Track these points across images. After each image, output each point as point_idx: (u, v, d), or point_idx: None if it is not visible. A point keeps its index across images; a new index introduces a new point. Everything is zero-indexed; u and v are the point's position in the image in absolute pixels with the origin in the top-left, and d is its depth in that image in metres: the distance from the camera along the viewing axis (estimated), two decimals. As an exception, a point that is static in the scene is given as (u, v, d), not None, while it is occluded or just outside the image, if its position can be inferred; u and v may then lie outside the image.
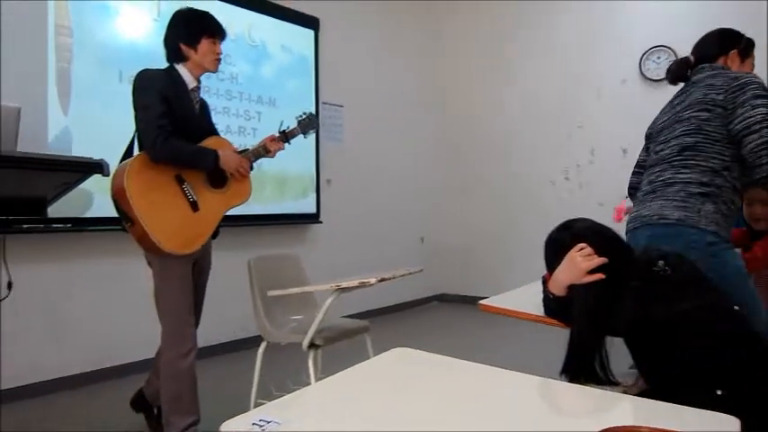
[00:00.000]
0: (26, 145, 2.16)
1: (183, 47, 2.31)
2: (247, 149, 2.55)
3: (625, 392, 1.25)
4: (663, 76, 5.13)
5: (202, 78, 2.43)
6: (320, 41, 4.93)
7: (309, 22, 4.84)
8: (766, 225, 2.40)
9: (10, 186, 2.00)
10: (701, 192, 1.78)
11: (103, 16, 3.47)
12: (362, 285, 2.36)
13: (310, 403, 1.16)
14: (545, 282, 1.60)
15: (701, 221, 1.75)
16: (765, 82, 1.91)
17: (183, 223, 2.26)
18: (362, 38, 5.49)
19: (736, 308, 1.33)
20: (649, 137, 2.17)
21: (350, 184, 5.30)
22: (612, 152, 5.36)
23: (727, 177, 1.80)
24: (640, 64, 5.17)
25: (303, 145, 4.07)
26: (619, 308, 1.36)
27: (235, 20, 4.18)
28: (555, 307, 1.55)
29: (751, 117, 1.75)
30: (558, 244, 1.53)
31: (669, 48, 5.02)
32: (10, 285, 2.29)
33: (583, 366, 1.38)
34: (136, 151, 2.29)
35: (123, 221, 2.20)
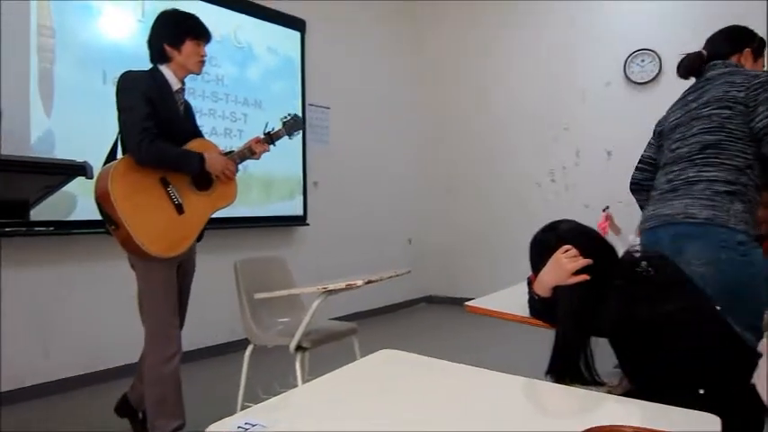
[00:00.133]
0: (8, 147, 2.14)
1: (166, 47, 2.30)
2: (232, 151, 2.54)
3: (610, 392, 1.27)
4: (647, 78, 5.25)
5: (187, 80, 2.42)
6: (306, 43, 4.92)
7: (296, 23, 4.83)
8: (767, 228, 2.40)
9: (-9, 189, 1.97)
10: (728, 190, 1.76)
11: (87, 16, 3.44)
12: (349, 287, 2.36)
13: (296, 406, 1.15)
14: (530, 283, 1.60)
15: (731, 220, 1.72)
16: None
17: (168, 226, 2.24)
18: (349, 40, 5.49)
19: (717, 308, 1.34)
20: (660, 134, 2.12)
21: (337, 185, 5.29)
22: (597, 154, 5.41)
23: (751, 176, 1.78)
24: (625, 67, 5.23)
25: (290, 147, 4.06)
26: (603, 308, 1.38)
27: (221, 21, 4.16)
28: (540, 308, 1.56)
29: None
30: (543, 245, 1.53)
31: (653, 51, 5.08)
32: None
33: (568, 367, 1.39)
34: (119, 153, 2.27)
35: (107, 224, 2.18)
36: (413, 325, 5.49)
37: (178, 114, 2.36)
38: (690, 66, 2.05)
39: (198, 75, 2.43)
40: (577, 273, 1.43)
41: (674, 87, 5.36)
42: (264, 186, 4.52)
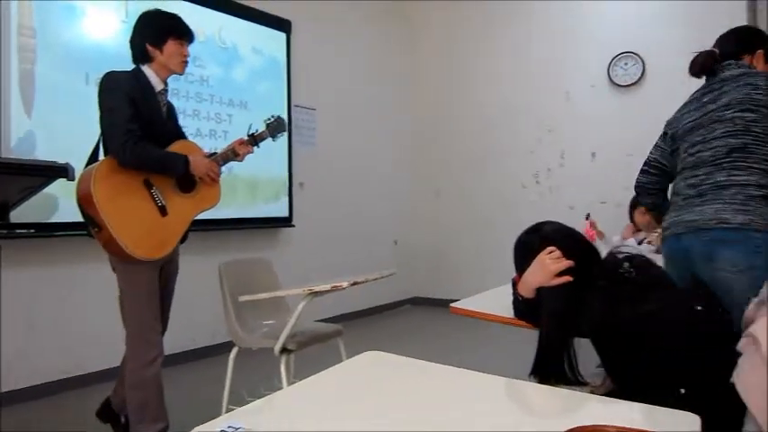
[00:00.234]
0: (-13, 148, 2.11)
1: (148, 47, 2.28)
2: (215, 153, 2.52)
3: (593, 392, 1.28)
4: (630, 81, 5.29)
5: (171, 81, 2.40)
6: (292, 44, 4.91)
7: (281, 24, 4.81)
8: None
9: (-30, 191, 1.94)
10: (762, 194, 1.73)
11: (69, 17, 3.40)
12: (335, 289, 2.35)
13: (281, 408, 1.15)
14: (515, 284, 1.62)
15: (766, 225, 1.69)
16: None
17: (151, 228, 2.22)
18: (336, 40, 5.49)
19: (698, 308, 1.36)
20: (673, 136, 2.06)
21: (323, 187, 5.28)
22: (582, 156, 5.46)
23: None
24: (608, 69, 5.28)
25: (275, 148, 4.04)
26: (586, 309, 1.39)
27: (205, 22, 4.14)
28: (524, 309, 1.57)
29: None
30: (527, 247, 1.55)
31: (636, 54, 5.14)
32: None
33: (552, 367, 1.40)
34: (101, 155, 2.25)
35: (90, 227, 2.16)
36: (398, 326, 5.49)
37: (161, 116, 2.35)
38: (704, 64, 2.01)
39: (181, 75, 2.41)
40: (561, 274, 1.44)
41: (657, 90, 5.45)
42: (250, 188, 4.50)
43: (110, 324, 2.64)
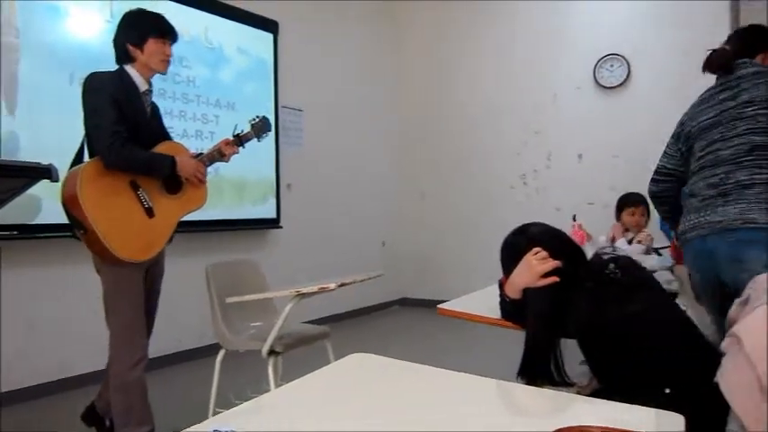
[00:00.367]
0: (-31, 149, 2.08)
1: (129, 47, 2.26)
2: (201, 153, 2.51)
3: (579, 393, 1.29)
4: (616, 83, 5.34)
5: (157, 81, 2.38)
6: (279, 45, 4.89)
7: (268, 25, 4.80)
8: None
9: (-49, 192, 1.91)
10: None
11: (54, 16, 3.36)
12: (322, 291, 2.35)
13: (268, 410, 1.14)
14: (501, 285, 1.62)
15: None
16: None
17: (138, 230, 2.21)
18: (322, 41, 5.48)
19: (683, 308, 1.38)
20: (688, 135, 2.01)
21: (310, 188, 5.27)
22: (568, 157, 5.50)
23: None
24: (594, 71, 5.33)
25: (262, 149, 4.03)
26: (573, 310, 1.40)
27: (191, 22, 4.11)
28: (511, 309, 1.58)
29: None
30: (514, 248, 1.56)
31: (622, 56, 5.18)
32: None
33: (539, 368, 1.40)
34: (86, 156, 2.22)
35: (75, 229, 2.14)
36: (386, 327, 5.50)
37: (146, 116, 2.33)
38: (720, 61, 1.97)
39: (163, 74, 2.38)
40: (547, 275, 1.45)
41: (643, 92, 5.49)
42: (237, 189, 4.48)
43: (95, 327, 2.61)
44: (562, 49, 5.53)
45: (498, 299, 1.65)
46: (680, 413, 0.94)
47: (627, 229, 3.35)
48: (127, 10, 2.35)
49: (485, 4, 5.93)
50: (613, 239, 3.27)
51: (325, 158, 5.44)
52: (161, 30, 2.30)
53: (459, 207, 6.12)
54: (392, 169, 6.35)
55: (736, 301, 1.26)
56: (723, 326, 1.33)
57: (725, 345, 1.14)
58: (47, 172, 2.06)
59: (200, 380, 2.87)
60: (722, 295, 1.76)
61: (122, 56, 2.29)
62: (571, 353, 1.48)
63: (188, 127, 4.10)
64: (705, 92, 2.02)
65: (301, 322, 3.07)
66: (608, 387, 1.35)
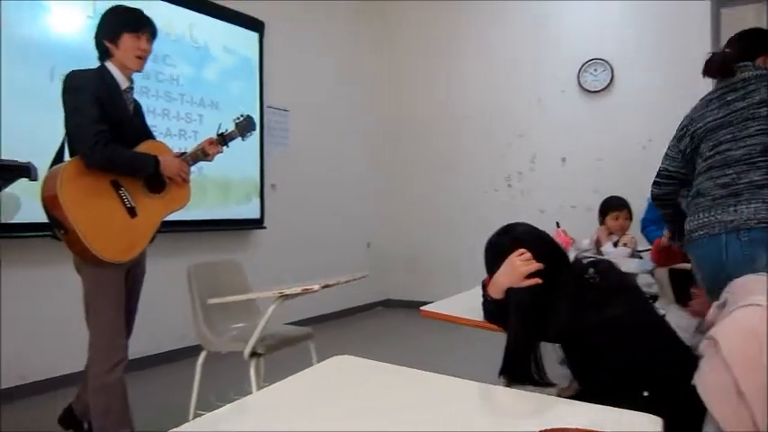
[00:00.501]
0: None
1: (106, 43, 2.23)
2: (185, 153, 2.48)
3: (560, 395, 1.30)
4: (600, 87, 5.39)
5: (141, 79, 2.35)
6: (265, 45, 4.87)
7: (254, 24, 4.77)
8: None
9: (-73, 190, 1.88)
10: None
11: (35, 12, 3.31)
12: (306, 292, 2.34)
13: (250, 413, 1.14)
14: (485, 285, 1.63)
15: None
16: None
17: (120, 230, 2.18)
18: (308, 41, 5.46)
19: (662, 312, 1.40)
20: (693, 135, 2.01)
21: (295, 188, 5.25)
22: (552, 160, 5.54)
23: None
24: (578, 76, 5.38)
25: (247, 149, 4.01)
26: (554, 314, 1.41)
27: (175, 20, 4.06)
28: (493, 310, 1.59)
29: None
30: (498, 248, 1.56)
31: (605, 61, 5.24)
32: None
33: (519, 368, 1.41)
34: (67, 155, 2.19)
35: (55, 229, 2.10)
36: (370, 329, 5.49)
37: (128, 115, 2.29)
38: (721, 65, 1.98)
39: (138, 71, 2.31)
40: (530, 276, 1.46)
41: (626, 95, 5.55)
42: (221, 189, 4.45)
43: (75, 328, 2.57)
44: (547, 52, 5.58)
45: (481, 299, 1.66)
46: (658, 415, 0.95)
47: (611, 233, 3.39)
48: (110, 6, 2.32)
49: (471, 5, 5.95)
50: (599, 243, 3.30)
51: (311, 159, 5.43)
52: (134, 24, 2.25)
53: (444, 208, 6.13)
54: (377, 170, 6.35)
55: (715, 304, 1.28)
56: None
57: (702, 347, 1.16)
58: (25, 170, 2.03)
59: (182, 382, 2.84)
60: None
61: (101, 53, 2.26)
62: (550, 354, 1.49)
63: (171, 126, 4.06)
64: (708, 94, 2.03)
65: (284, 323, 3.05)
66: (588, 389, 1.37)
